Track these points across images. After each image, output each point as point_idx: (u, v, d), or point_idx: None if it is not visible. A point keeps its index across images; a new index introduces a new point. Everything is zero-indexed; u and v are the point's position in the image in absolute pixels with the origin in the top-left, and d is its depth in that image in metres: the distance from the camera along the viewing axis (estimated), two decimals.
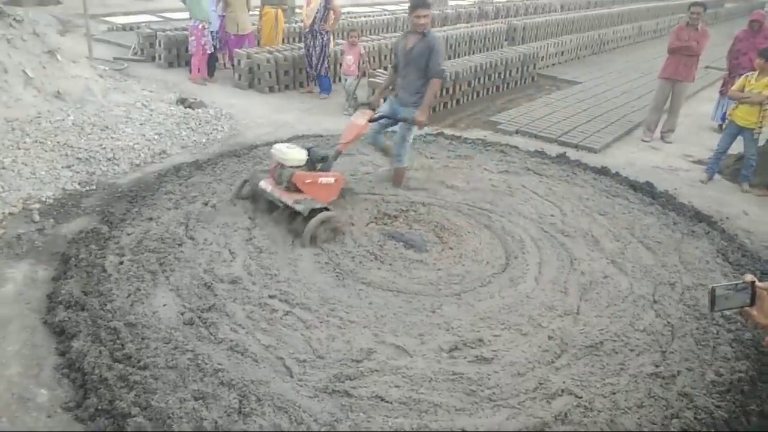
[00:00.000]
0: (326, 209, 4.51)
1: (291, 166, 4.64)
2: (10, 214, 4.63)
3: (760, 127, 6.17)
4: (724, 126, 7.71)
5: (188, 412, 2.84)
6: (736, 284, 1.69)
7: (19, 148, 5.65)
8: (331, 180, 4.83)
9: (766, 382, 3.31)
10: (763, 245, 5.01)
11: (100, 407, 2.86)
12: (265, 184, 4.72)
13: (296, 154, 4.69)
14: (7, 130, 5.91)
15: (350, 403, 2.98)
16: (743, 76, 6.44)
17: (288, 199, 4.52)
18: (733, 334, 3.70)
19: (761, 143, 6.41)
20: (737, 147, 6.46)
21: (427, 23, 5.16)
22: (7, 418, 2.81)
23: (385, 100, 5.80)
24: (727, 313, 3.81)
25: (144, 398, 2.90)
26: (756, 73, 6.25)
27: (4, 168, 5.25)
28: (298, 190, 4.59)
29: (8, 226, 4.47)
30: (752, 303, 1.69)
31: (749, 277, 1.70)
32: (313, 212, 4.40)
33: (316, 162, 4.87)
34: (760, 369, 3.41)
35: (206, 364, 3.15)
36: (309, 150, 4.83)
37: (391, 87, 5.79)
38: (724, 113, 8.09)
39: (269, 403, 2.93)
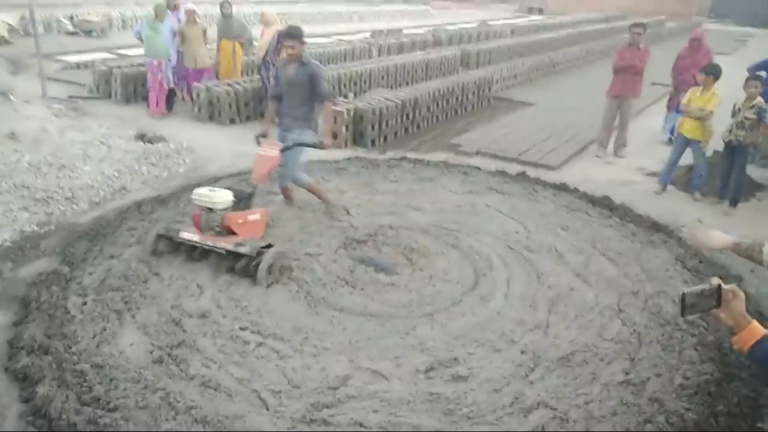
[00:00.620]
0: (270, 246, 4.42)
1: (220, 209, 4.49)
2: None
3: (706, 140, 6.48)
4: (673, 139, 8.06)
5: None
6: (703, 289, 1.76)
7: None
8: (258, 216, 4.75)
9: (731, 383, 3.42)
10: (719, 251, 5.20)
11: None
12: (190, 234, 4.47)
13: (224, 196, 4.55)
14: None
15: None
16: (690, 90, 6.77)
17: (226, 243, 4.35)
18: (696, 338, 3.82)
19: (709, 154, 6.73)
20: (688, 158, 6.75)
21: (297, 53, 5.11)
22: None
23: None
24: (692, 317, 3.97)
25: None
26: (700, 87, 6.58)
27: None
28: (231, 233, 4.48)
29: None
30: (719, 305, 1.77)
31: (715, 281, 1.78)
32: (261, 251, 4.30)
33: (242, 201, 4.75)
34: (725, 370, 3.53)
35: (178, 402, 3.08)
36: (233, 190, 4.70)
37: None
38: (673, 127, 8.47)
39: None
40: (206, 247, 4.44)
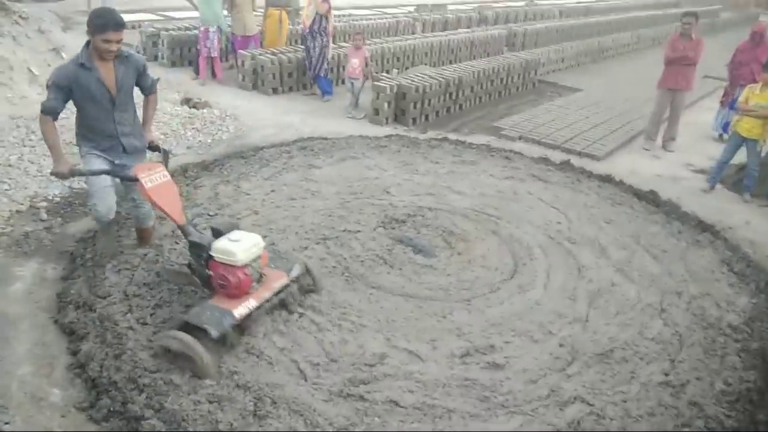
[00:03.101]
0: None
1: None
2: (17, 211, 4.61)
3: (765, 140, 6.24)
4: (726, 137, 7.79)
5: (203, 414, 2.84)
6: None
7: (25, 146, 5.63)
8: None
9: None
10: (766, 256, 5.05)
11: (112, 409, 2.87)
12: (249, 304, 3.32)
13: (255, 239, 3.46)
14: (12, 127, 5.89)
15: (365, 408, 2.98)
16: (747, 88, 6.50)
17: (279, 280, 3.58)
18: (740, 344, 3.73)
19: (764, 154, 6.48)
20: (739, 157, 6.52)
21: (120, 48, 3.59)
22: (21, 418, 2.80)
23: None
24: (737, 323, 3.88)
25: (156, 400, 2.90)
26: (759, 84, 6.31)
27: (10, 165, 5.23)
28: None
29: (16, 224, 4.45)
30: None
31: None
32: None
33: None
34: None
35: (221, 366, 3.15)
36: (221, 227, 3.46)
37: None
38: (726, 123, 8.18)
39: (284, 406, 2.94)
40: (271, 301, 3.51)
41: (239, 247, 3.26)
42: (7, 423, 2.76)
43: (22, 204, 4.72)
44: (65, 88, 3.51)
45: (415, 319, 3.76)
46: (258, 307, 3.35)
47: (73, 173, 3.64)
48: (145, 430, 2.74)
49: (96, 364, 3.11)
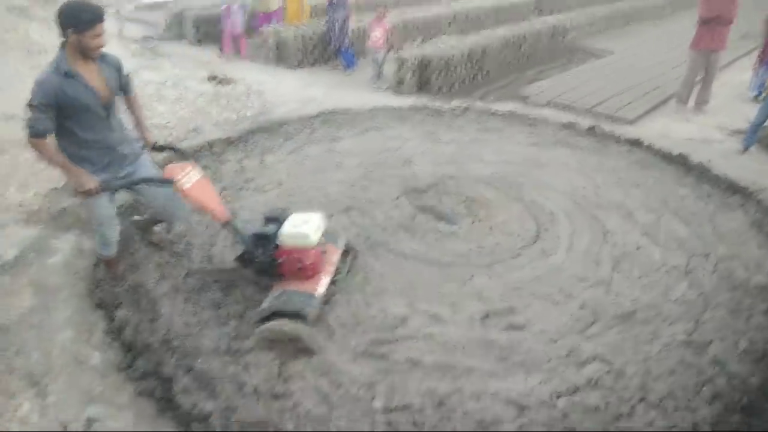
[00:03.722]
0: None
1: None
2: (54, 188, 4.81)
3: None
4: (761, 97, 7.51)
5: (230, 375, 2.97)
6: None
7: None
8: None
9: None
10: None
11: (147, 370, 3.02)
12: (323, 282, 3.37)
13: (319, 219, 3.45)
14: None
15: (387, 367, 3.07)
16: None
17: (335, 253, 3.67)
18: (767, 305, 3.68)
19: None
20: None
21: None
22: (64, 379, 2.98)
23: None
24: (764, 284, 3.82)
25: (187, 362, 3.04)
26: None
27: None
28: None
29: (53, 200, 4.64)
30: None
31: None
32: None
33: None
34: None
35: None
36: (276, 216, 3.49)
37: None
38: (762, 84, 7.88)
39: (309, 367, 3.04)
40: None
41: (310, 228, 3.25)
42: (51, 383, 2.94)
43: (59, 181, 4.91)
44: (52, 105, 2.96)
45: (435, 284, 3.81)
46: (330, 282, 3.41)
47: (107, 187, 3.19)
48: (177, 389, 2.88)
49: (131, 328, 3.28)
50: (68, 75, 3.01)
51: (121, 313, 3.39)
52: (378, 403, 2.87)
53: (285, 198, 4.86)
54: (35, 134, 2.98)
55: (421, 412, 2.83)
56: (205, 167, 5.34)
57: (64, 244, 4.12)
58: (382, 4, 8.88)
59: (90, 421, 2.72)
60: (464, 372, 3.07)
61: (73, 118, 3.10)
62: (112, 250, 3.67)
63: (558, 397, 2.92)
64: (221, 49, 9.33)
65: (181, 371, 2.99)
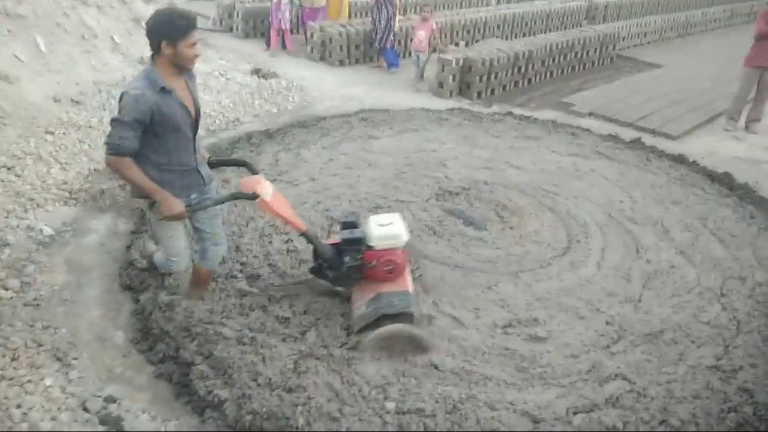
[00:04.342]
0: None
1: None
2: (95, 170, 4.96)
3: None
4: None
5: (247, 364, 3.00)
6: None
7: (105, 110, 6.01)
8: None
9: None
10: None
11: (167, 353, 3.08)
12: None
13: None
14: (94, 92, 6.30)
15: (404, 369, 3.06)
16: None
17: None
18: None
19: None
20: None
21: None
22: (87, 355, 3.08)
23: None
24: None
25: (207, 348, 3.09)
26: None
27: (91, 127, 5.61)
28: None
29: (93, 181, 4.79)
30: None
31: None
32: None
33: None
34: None
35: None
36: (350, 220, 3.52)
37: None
38: None
39: (325, 364, 3.05)
40: None
41: (401, 228, 3.29)
42: (75, 359, 3.04)
43: (99, 163, 5.07)
44: (145, 123, 2.73)
45: (460, 288, 3.78)
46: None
47: (197, 208, 3.00)
48: (194, 375, 2.93)
49: (154, 312, 3.35)
50: (164, 91, 2.76)
51: (146, 296, 3.47)
52: (390, 404, 2.85)
53: (318, 193, 4.89)
54: (121, 152, 2.70)
55: (432, 417, 2.80)
56: (241, 157, 5.42)
57: (100, 225, 4.25)
58: (428, 5, 8.83)
59: (108, 399, 2.79)
60: (481, 379, 3.03)
61: (160, 137, 2.83)
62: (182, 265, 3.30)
63: (575, 413, 2.84)
64: (267, 44, 9.47)
65: (199, 357, 3.04)
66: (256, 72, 8.02)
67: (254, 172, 3.27)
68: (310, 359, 3.08)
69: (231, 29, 10.39)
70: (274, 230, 4.27)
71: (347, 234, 3.31)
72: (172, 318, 3.28)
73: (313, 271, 3.43)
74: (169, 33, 2.68)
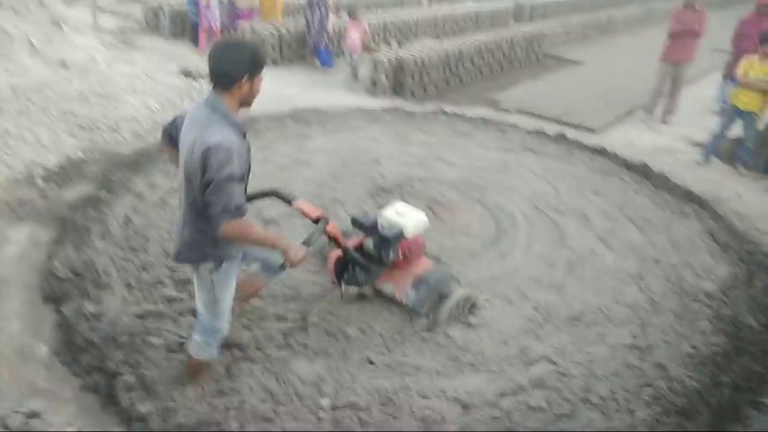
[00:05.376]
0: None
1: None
2: (14, 178, 4.74)
3: (762, 113, 6.17)
4: (724, 109, 7.69)
5: (175, 374, 2.94)
6: None
7: (24, 115, 5.74)
8: None
9: (741, 357, 3.40)
10: (754, 227, 5.05)
11: (93, 365, 2.99)
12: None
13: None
14: (11, 98, 6.00)
15: (338, 365, 3.09)
16: (745, 59, 6.41)
17: None
18: (713, 311, 3.78)
19: (760, 128, 6.42)
20: (738, 130, 6.46)
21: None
22: (7, 370, 2.94)
23: None
24: (711, 290, 3.93)
25: (133, 358, 3.02)
26: (758, 56, 6.21)
27: (8, 134, 5.34)
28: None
29: (12, 190, 4.57)
30: None
31: None
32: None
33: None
34: (736, 344, 3.50)
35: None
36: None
37: None
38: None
39: (259, 365, 3.04)
40: None
41: (418, 211, 3.51)
42: None
43: (19, 171, 4.85)
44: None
45: None
46: None
47: (314, 246, 2.81)
48: (120, 386, 2.86)
49: (79, 323, 3.24)
50: (245, 136, 2.44)
51: (70, 307, 3.36)
52: (325, 401, 2.88)
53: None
54: (242, 212, 2.35)
55: (367, 410, 2.85)
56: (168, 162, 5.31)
57: (20, 235, 4.07)
58: (361, 6, 8.90)
59: (30, 415, 2.69)
60: (414, 370, 3.10)
61: None
62: (215, 351, 2.88)
63: (502, 396, 2.96)
64: (197, 44, 9.27)
65: (126, 367, 2.97)
66: (185, 73, 7.85)
67: (287, 199, 3.01)
68: (244, 362, 3.07)
69: (158, 30, 10.11)
70: None
71: (386, 231, 3.37)
72: (98, 328, 3.20)
73: (345, 282, 3.46)
74: (253, 67, 2.38)
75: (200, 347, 2.79)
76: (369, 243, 3.46)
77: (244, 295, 3.04)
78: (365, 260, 3.38)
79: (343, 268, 3.48)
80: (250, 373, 3.00)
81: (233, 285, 2.72)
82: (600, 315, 3.66)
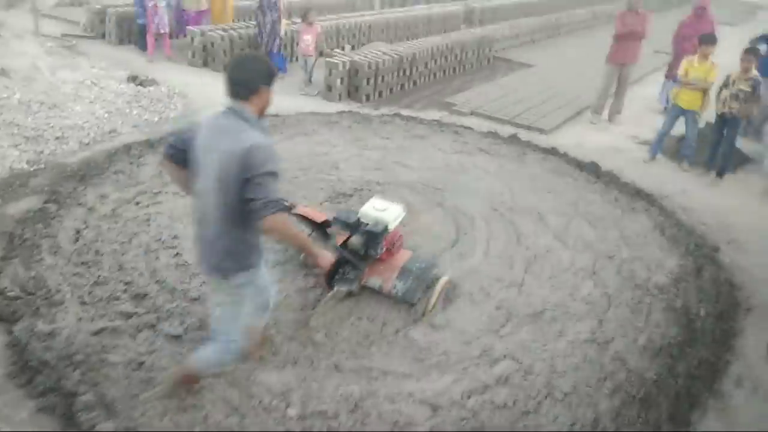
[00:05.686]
0: None
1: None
2: None
3: (703, 111, 6.47)
4: (667, 108, 8.03)
5: (135, 391, 2.86)
6: None
7: None
8: None
9: (694, 347, 3.55)
10: (700, 221, 5.29)
11: (49, 385, 2.88)
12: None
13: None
14: None
15: (306, 373, 3.07)
16: (685, 60, 6.70)
17: None
18: (665, 303, 3.94)
19: (701, 125, 6.73)
20: (680, 128, 6.75)
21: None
22: None
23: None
24: (662, 283, 4.10)
25: (91, 377, 2.92)
26: (696, 57, 6.52)
27: None
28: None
29: None
30: None
31: None
32: None
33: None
34: (689, 335, 3.65)
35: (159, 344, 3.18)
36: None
37: None
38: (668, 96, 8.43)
39: (222, 379, 2.98)
40: None
41: (396, 205, 3.73)
42: None
43: None
44: None
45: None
46: None
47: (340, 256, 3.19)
48: (78, 406, 2.76)
49: (31, 342, 3.11)
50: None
51: (21, 326, 3.22)
52: (292, 411, 2.86)
53: None
54: (286, 208, 2.42)
55: (335, 418, 2.84)
56: (119, 172, 5.16)
57: None
58: (313, 9, 8.84)
59: None
60: (380, 374, 3.11)
61: None
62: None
63: (469, 396, 3.01)
64: (144, 49, 9.03)
65: (84, 386, 2.86)
66: (133, 79, 7.63)
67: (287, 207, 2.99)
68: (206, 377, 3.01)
69: (103, 35, 9.79)
70: (161, 245, 4.10)
71: (373, 227, 3.50)
72: (52, 347, 3.08)
73: (334, 283, 3.50)
74: (269, 78, 2.48)
75: (211, 365, 2.80)
76: (354, 241, 3.55)
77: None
78: (356, 258, 3.50)
79: (335, 270, 3.52)
80: (212, 387, 2.94)
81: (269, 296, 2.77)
82: (559, 311, 3.76)
